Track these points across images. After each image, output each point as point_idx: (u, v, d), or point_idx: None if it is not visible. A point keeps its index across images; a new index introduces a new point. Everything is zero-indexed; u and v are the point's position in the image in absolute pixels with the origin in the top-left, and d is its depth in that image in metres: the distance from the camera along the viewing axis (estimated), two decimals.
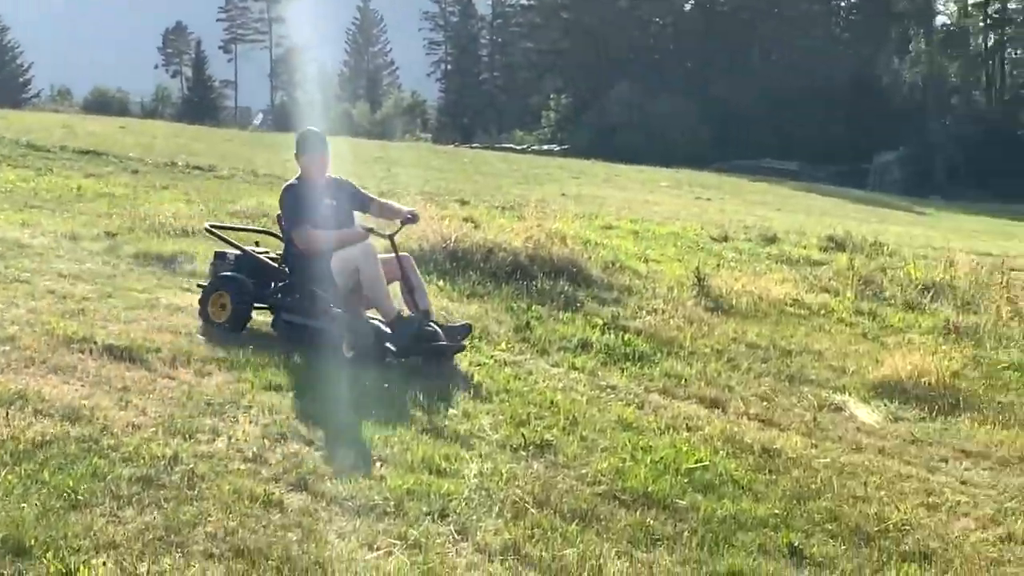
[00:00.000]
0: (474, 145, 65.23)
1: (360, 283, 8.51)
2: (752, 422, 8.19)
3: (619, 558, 5.30)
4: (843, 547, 5.86)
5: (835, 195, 44.96)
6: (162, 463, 5.65)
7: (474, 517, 5.55)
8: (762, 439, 7.61)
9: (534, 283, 11.84)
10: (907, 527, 6.25)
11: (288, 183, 9.03)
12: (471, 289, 11.61)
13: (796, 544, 5.80)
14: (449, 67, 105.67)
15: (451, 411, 7.44)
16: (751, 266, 15.60)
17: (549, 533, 5.47)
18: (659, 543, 5.59)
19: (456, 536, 5.33)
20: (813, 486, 6.76)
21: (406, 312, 8.64)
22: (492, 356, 9.19)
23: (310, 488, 5.64)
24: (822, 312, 12.77)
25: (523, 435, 6.98)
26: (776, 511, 6.25)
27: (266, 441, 6.21)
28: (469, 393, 7.94)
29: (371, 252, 8.50)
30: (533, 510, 5.75)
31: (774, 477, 6.89)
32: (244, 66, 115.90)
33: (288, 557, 4.80)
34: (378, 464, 6.14)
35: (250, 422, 6.48)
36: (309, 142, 8.97)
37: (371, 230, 8.77)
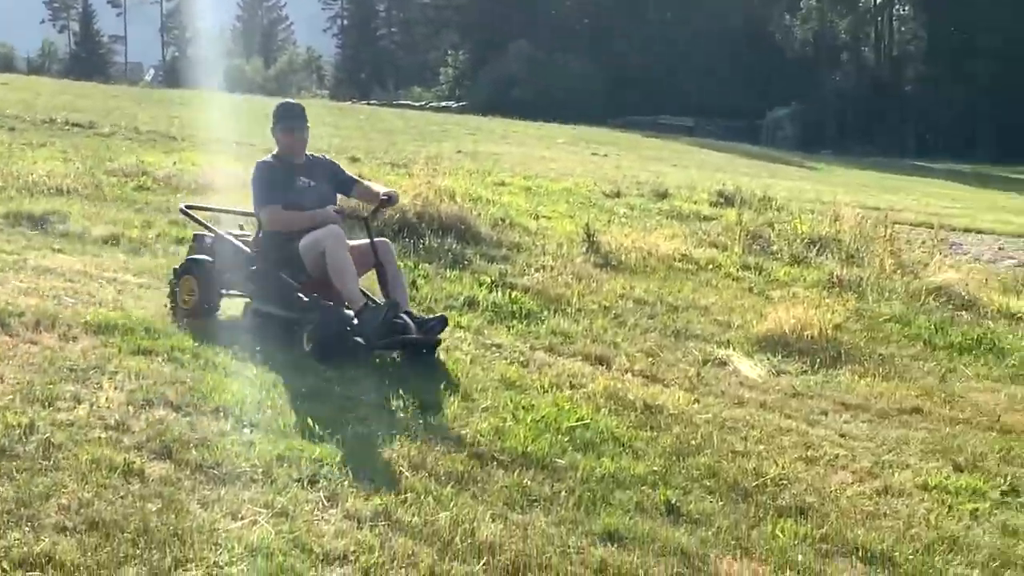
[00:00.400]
0: (371, 102, 64.52)
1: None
2: (636, 378, 8.13)
3: (494, 520, 5.20)
4: (720, 503, 5.82)
5: (728, 150, 45.26)
6: (17, 432, 5.41)
7: (345, 483, 5.41)
8: (645, 395, 7.56)
9: (422, 241, 11.68)
10: (785, 481, 6.23)
11: (261, 160, 8.31)
12: None
13: (673, 501, 5.74)
14: (346, 22, 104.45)
15: (329, 374, 7.29)
16: (642, 222, 15.57)
17: (423, 497, 5.35)
18: (536, 504, 5.49)
19: (325, 503, 5.18)
20: (693, 442, 6.72)
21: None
22: None
23: (174, 456, 5.45)
24: (710, 267, 12.78)
25: (402, 396, 6.84)
26: (655, 468, 6.19)
27: (130, 408, 6.00)
28: (350, 356, 7.79)
29: (338, 235, 7.81)
30: (407, 474, 5.63)
31: (655, 434, 6.83)
32: (134, 21, 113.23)
33: (145, 528, 4.62)
34: (248, 430, 5.96)
35: (115, 388, 6.25)
36: (287, 116, 8.25)
37: (341, 211, 8.17)
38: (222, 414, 6.14)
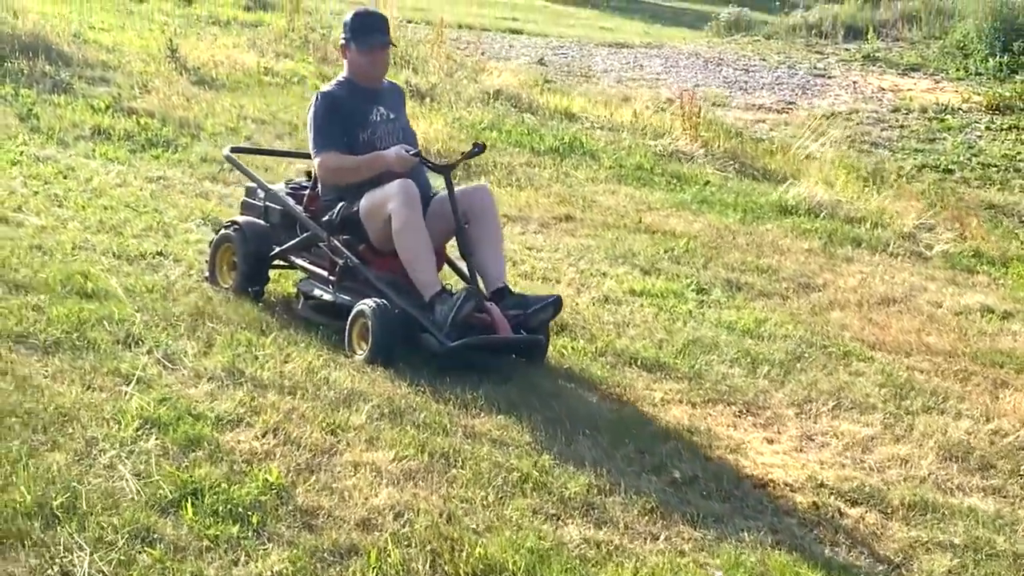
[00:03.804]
0: None
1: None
2: None
3: (335, 367, 5.39)
4: None
5: None
6: None
7: (167, 339, 5.36)
8: None
9: (8, 64, 10.81)
10: None
11: (323, 89, 6.24)
12: None
13: None
14: None
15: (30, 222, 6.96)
16: (195, 31, 15.13)
17: (253, 349, 5.43)
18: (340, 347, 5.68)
19: (169, 364, 5.15)
20: None
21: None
22: (21, 151, 8.52)
23: None
24: (295, 80, 12.81)
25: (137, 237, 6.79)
26: None
27: None
28: (30, 198, 7.44)
29: (409, 193, 5.69)
30: (213, 325, 5.64)
31: None
32: None
33: (21, 411, 4.44)
34: (23, 293, 5.67)
35: None
36: (366, 29, 6.11)
37: (419, 155, 5.95)
38: None
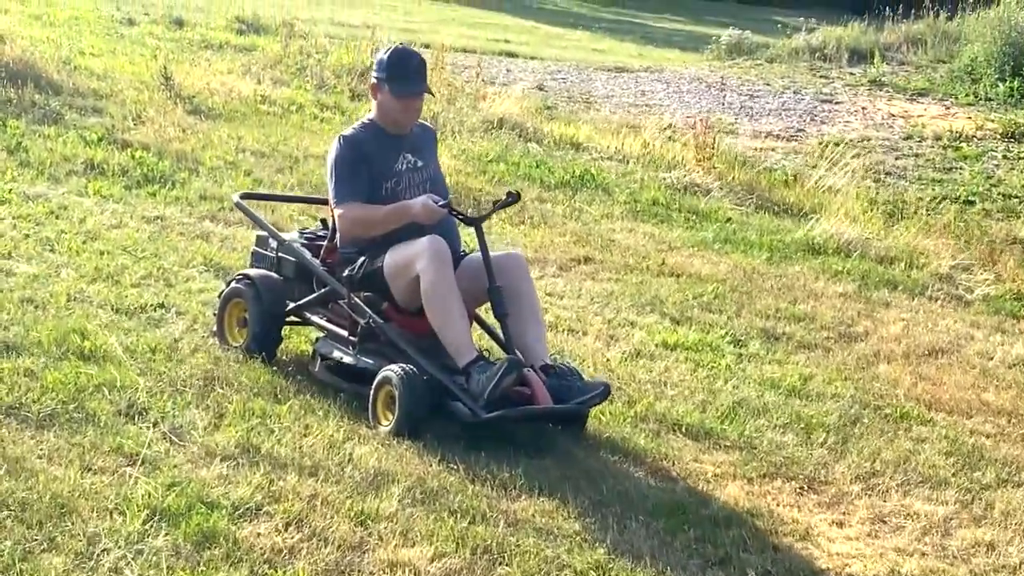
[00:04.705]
0: None
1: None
2: None
3: (357, 442, 4.92)
4: None
5: None
6: None
7: (169, 410, 4.88)
8: None
9: None
10: None
11: (346, 133, 5.60)
12: None
13: None
14: None
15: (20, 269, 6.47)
16: (187, 56, 14.63)
17: (267, 421, 4.96)
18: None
19: (176, 440, 4.67)
20: None
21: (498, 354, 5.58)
22: (10, 189, 8.01)
23: None
24: (293, 109, 12.32)
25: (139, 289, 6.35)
26: None
27: None
28: (20, 242, 6.96)
29: (439, 249, 5.18)
30: (222, 390, 5.16)
31: None
32: None
33: (14, 503, 3.95)
34: (16, 355, 5.19)
35: None
36: (401, 73, 5.47)
37: (448, 206, 5.42)
38: None
